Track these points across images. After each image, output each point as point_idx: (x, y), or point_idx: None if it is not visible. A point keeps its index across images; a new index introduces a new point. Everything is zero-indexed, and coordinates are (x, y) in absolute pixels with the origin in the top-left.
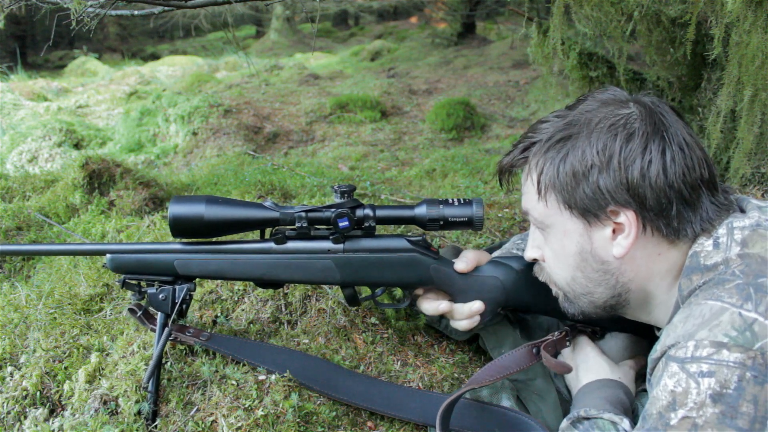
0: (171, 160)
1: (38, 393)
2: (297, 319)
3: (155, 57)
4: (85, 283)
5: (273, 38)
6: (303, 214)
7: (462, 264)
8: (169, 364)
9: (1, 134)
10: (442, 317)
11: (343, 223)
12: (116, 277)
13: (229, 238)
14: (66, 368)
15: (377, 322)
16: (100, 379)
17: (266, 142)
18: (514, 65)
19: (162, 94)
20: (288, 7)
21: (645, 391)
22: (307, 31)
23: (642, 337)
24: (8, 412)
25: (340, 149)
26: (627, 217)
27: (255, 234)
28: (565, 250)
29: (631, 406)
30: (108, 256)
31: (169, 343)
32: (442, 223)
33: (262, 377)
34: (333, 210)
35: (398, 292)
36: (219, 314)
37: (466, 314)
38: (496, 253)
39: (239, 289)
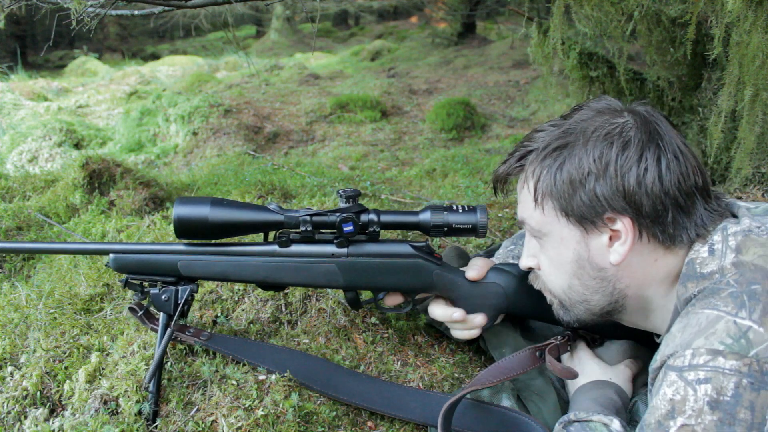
0: (171, 160)
1: (38, 393)
2: (297, 319)
3: (155, 57)
4: (86, 283)
5: (273, 38)
6: (308, 217)
7: (473, 272)
8: (169, 364)
9: (1, 134)
10: None
11: (348, 228)
12: (117, 277)
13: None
14: (66, 368)
15: (377, 322)
16: (100, 379)
17: (266, 142)
18: (515, 65)
19: (162, 94)
20: (288, 7)
21: (645, 389)
22: (308, 31)
23: (641, 344)
24: (8, 412)
25: (340, 149)
26: (623, 224)
27: (258, 237)
28: (562, 257)
29: (626, 405)
30: (111, 255)
31: (169, 343)
32: (446, 229)
33: (262, 377)
34: (338, 214)
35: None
36: (219, 314)
37: (469, 326)
38: (492, 259)
39: (239, 289)
